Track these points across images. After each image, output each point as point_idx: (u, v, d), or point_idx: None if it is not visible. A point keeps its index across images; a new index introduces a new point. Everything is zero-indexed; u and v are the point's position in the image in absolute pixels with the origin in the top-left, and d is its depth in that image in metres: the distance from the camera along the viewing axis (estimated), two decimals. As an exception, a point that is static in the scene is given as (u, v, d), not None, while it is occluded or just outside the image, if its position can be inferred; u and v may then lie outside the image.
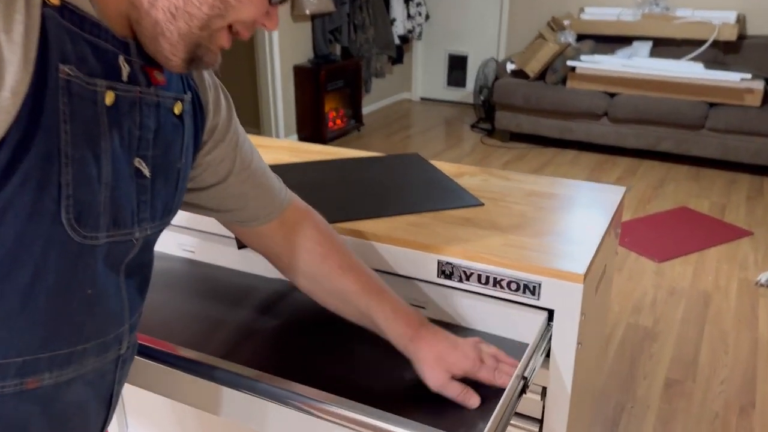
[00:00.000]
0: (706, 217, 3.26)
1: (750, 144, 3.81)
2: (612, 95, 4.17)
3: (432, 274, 0.97)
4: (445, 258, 0.95)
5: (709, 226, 3.15)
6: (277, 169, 1.25)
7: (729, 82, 3.82)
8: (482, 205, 1.10)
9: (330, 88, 4.40)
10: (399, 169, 1.27)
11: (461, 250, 0.94)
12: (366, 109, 5.22)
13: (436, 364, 0.81)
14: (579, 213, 1.07)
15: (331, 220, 1.02)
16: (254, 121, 4.49)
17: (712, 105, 3.92)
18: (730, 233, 3.06)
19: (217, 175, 0.78)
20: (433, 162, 1.31)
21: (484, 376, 0.81)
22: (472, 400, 0.79)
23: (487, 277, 0.93)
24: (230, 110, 0.80)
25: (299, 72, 4.35)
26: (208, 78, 0.75)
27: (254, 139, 1.47)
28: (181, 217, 1.14)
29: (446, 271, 0.95)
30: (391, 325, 0.83)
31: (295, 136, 4.50)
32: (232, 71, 4.52)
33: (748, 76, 3.78)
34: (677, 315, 2.36)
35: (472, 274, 0.94)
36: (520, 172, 3.92)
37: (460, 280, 0.95)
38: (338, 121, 4.62)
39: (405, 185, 1.17)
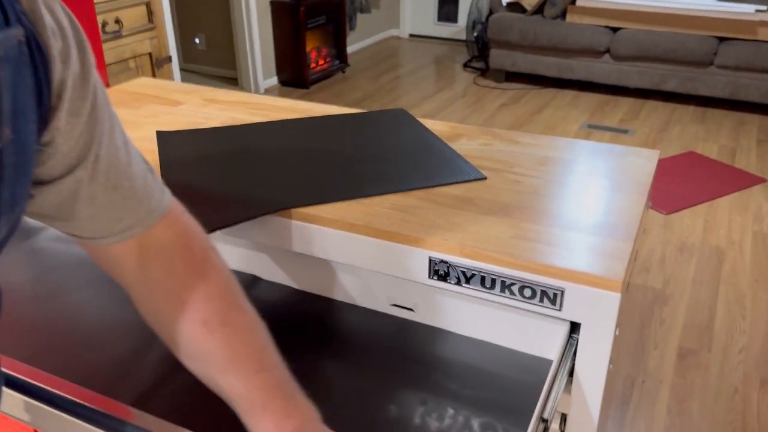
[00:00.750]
0: (715, 163, 3.05)
1: (762, 82, 3.56)
2: (615, 30, 3.88)
3: (422, 274, 0.75)
4: (438, 255, 0.73)
5: (719, 173, 2.94)
6: (227, 133, 1.02)
7: (742, 14, 3.54)
8: (484, 178, 0.88)
9: (311, 25, 4.08)
10: (380, 130, 1.03)
11: (459, 245, 0.72)
12: (351, 48, 4.89)
13: None
14: (607, 188, 0.85)
15: (292, 204, 0.80)
16: (230, 63, 4.18)
17: (721, 40, 3.64)
18: (741, 180, 2.86)
19: (64, 162, 0.49)
20: (424, 121, 1.08)
21: None
22: None
23: (493, 281, 0.72)
24: (85, 68, 0.49)
25: (277, 7, 4.01)
26: (50, 17, 0.47)
27: (205, 92, 1.22)
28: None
29: (440, 271, 0.74)
30: (254, 423, 0.56)
31: (275, 79, 4.21)
32: (204, 8, 4.17)
33: (764, 7, 3.50)
34: (689, 274, 2.18)
35: (473, 275, 0.72)
36: (516, 115, 3.68)
37: (458, 283, 0.74)
38: (321, 62, 4.31)
39: (387, 154, 0.95)
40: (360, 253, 0.78)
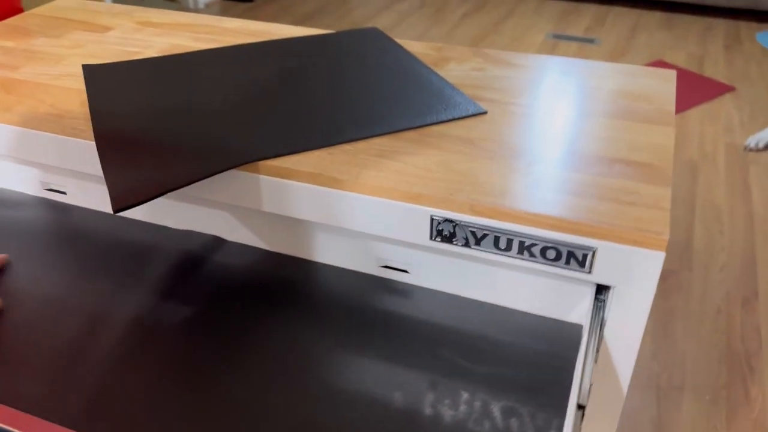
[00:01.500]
0: (684, 72, 2.96)
1: (728, -16, 3.43)
2: (578, -69, 3.65)
3: (421, 235, 0.63)
4: (441, 213, 0.61)
5: (689, 82, 2.86)
6: (169, 64, 0.85)
7: None
8: (485, 113, 0.74)
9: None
10: (354, 56, 0.88)
11: (467, 201, 0.60)
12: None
13: None
14: (630, 119, 0.73)
15: (260, 155, 0.66)
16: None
17: (689, -61, 3.48)
18: (711, 89, 2.78)
19: None
20: (401, 42, 0.93)
21: None
22: None
23: (510, 241, 0.60)
24: None
25: None
26: None
27: (138, 14, 1.03)
28: (45, 142, 0.76)
29: (444, 231, 0.62)
30: None
31: (218, -6, 3.87)
32: None
33: None
34: (664, 191, 2.12)
35: (485, 236, 0.60)
36: (479, 26, 3.49)
37: (466, 245, 0.62)
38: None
39: (367, 86, 0.80)
40: (346, 213, 0.65)
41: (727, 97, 2.72)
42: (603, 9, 3.71)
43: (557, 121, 0.73)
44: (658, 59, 3.08)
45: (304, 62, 0.86)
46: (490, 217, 0.59)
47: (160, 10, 1.06)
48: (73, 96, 0.79)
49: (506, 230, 0.59)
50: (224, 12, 3.66)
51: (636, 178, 0.62)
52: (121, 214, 0.81)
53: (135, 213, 0.81)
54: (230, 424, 0.56)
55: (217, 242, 0.77)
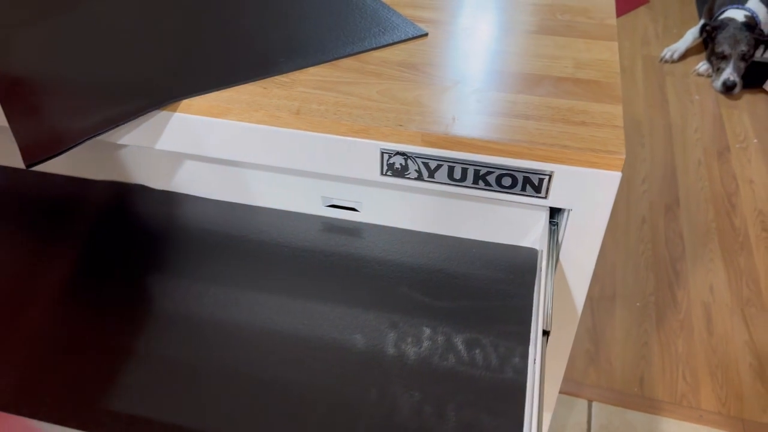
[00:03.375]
0: (599, -14, 2.96)
1: None
2: None
3: (371, 171, 0.60)
4: (392, 146, 0.58)
5: (605, -4, 2.87)
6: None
7: None
8: (425, 35, 0.70)
9: None
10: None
11: (418, 132, 0.57)
12: None
13: None
14: (571, 31, 0.70)
15: (184, 92, 0.60)
16: None
17: None
18: (626, 2, 2.81)
19: None
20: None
21: None
22: None
23: (464, 171, 0.58)
24: None
25: None
26: None
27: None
28: None
29: (396, 165, 0.59)
30: None
31: None
32: None
33: None
34: (588, 107, 2.15)
35: (439, 167, 0.58)
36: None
37: (419, 178, 0.59)
38: None
39: (295, 9, 0.73)
40: (288, 152, 0.60)
41: (642, 10, 2.75)
42: None
43: (499, 40, 0.70)
44: (574, -26, 3.08)
45: (223, -12, 0.78)
46: (443, 147, 0.56)
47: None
48: (-42, 37, 0.69)
49: (460, 159, 0.57)
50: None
51: (585, 97, 0.61)
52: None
53: (47, 165, 0.73)
54: (179, 385, 0.53)
55: (143, 191, 0.71)
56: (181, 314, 0.58)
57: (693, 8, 2.74)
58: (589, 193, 0.56)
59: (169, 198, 0.70)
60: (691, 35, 2.36)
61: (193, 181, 0.70)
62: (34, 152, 0.54)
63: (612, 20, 0.73)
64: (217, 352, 0.55)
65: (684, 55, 2.38)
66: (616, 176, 0.54)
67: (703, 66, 2.27)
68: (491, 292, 0.60)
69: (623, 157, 0.53)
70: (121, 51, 0.66)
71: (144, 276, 0.62)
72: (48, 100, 0.59)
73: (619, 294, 1.49)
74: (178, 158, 0.68)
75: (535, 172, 0.56)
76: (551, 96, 0.61)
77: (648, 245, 1.62)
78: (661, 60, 2.38)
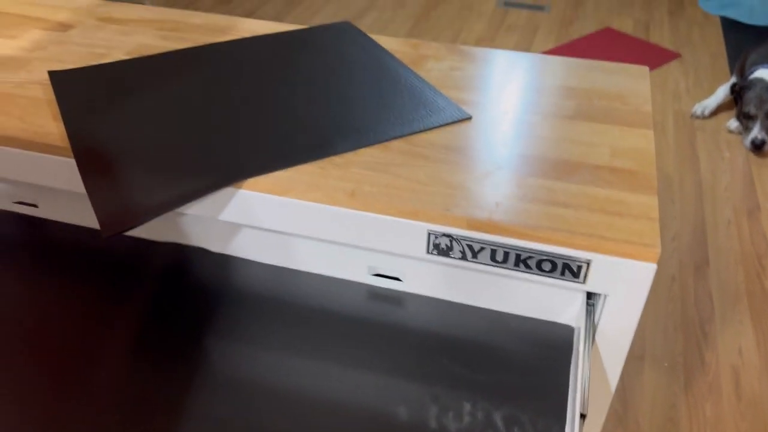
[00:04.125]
0: (632, 39, 3.02)
1: (671, -51, 3.49)
2: None
3: (418, 249, 0.64)
4: (439, 228, 0.62)
5: (637, 50, 2.92)
6: (139, 68, 0.82)
7: None
8: (469, 118, 0.75)
9: None
10: (330, 55, 0.87)
11: (464, 217, 0.61)
12: None
13: None
14: (609, 121, 0.74)
15: (250, 172, 0.65)
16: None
17: None
18: (658, 57, 2.86)
19: None
20: (376, 37, 0.92)
21: None
22: None
23: (506, 254, 0.62)
24: None
25: None
26: None
27: (97, 8, 0.98)
28: (19, 159, 0.73)
29: (441, 245, 0.63)
30: None
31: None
32: None
33: None
34: (618, 161, 2.18)
35: (482, 249, 0.62)
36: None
37: (463, 258, 0.63)
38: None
39: (348, 90, 0.79)
40: (341, 230, 0.65)
41: (673, 64, 2.79)
42: (551, -26, 3.73)
43: (538, 125, 0.74)
44: (606, 26, 3.13)
45: (281, 64, 0.85)
46: (487, 231, 0.61)
47: (121, 4, 1.02)
48: (42, 107, 0.76)
49: (503, 244, 0.61)
50: (166, -20, 3.50)
51: (621, 186, 0.65)
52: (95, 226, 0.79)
53: (115, 226, 0.79)
54: (241, 449, 0.56)
55: (203, 254, 0.77)
56: (233, 376, 0.62)
57: (724, 62, 2.77)
58: (624, 282, 0.59)
59: (226, 261, 0.75)
60: (722, 92, 2.39)
61: (248, 246, 0.75)
62: (112, 225, 0.60)
63: (648, 107, 0.77)
64: (265, 416, 0.59)
65: (715, 111, 2.41)
66: (651, 267, 0.58)
67: (733, 123, 2.30)
68: (529, 367, 0.63)
69: (658, 250, 0.57)
70: (191, 130, 0.72)
71: (200, 335, 0.66)
72: (126, 176, 0.65)
73: (648, 354, 1.50)
74: (236, 225, 0.73)
75: (573, 260, 0.60)
76: (589, 184, 0.65)
77: (677, 305, 1.63)
78: (692, 116, 2.40)
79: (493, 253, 0.62)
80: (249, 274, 0.74)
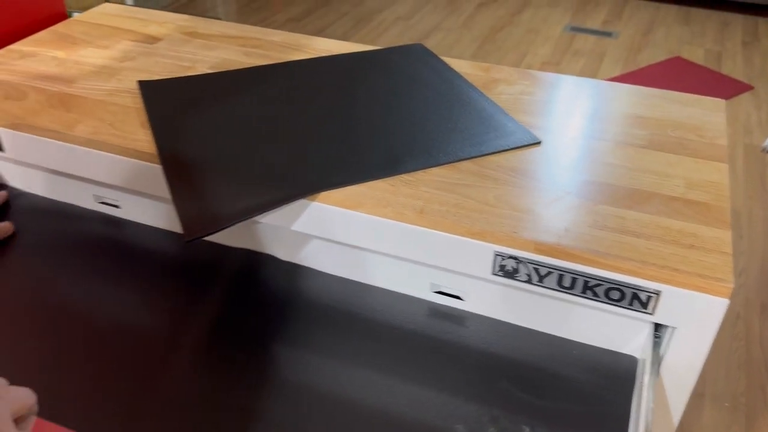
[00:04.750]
0: (702, 69, 2.95)
1: (748, -22, 3.41)
2: None
3: (484, 270, 0.65)
4: (505, 250, 0.62)
5: (708, 81, 2.85)
6: (221, 82, 0.86)
7: None
8: (539, 143, 0.76)
9: None
10: (403, 77, 0.89)
11: (532, 240, 0.61)
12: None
13: None
14: (682, 153, 0.74)
15: (326, 185, 0.67)
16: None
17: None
18: (729, 88, 2.78)
19: None
20: (446, 59, 0.93)
21: None
22: None
23: (574, 280, 0.62)
24: None
25: None
26: None
27: (183, 23, 1.03)
28: (96, 158, 0.77)
29: (507, 267, 0.64)
30: None
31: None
32: None
33: None
34: (683, 193, 2.13)
35: (549, 274, 0.62)
36: (495, 16, 3.47)
37: (528, 281, 0.64)
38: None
39: (420, 111, 0.81)
40: (408, 246, 0.66)
41: (745, 96, 2.71)
42: (620, 1, 3.69)
43: (609, 152, 0.74)
44: (675, 55, 3.07)
45: (356, 83, 0.87)
46: (554, 256, 0.61)
47: (205, 20, 1.07)
48: (131, 115, 0.80)
49: (570, 269, 0.61)
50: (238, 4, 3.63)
51: (695, 219, 0.64)
52: (176, 229, 0.83)
53: (189, 230, 0.82)
54: (303, 454, 0.58)
55: (272, 261, 0.79)
56: (295, 382, 0.64)
57: (800, 97, 2.68)
58: (695, 315, 0.58)
59: (294, 269, 0.77)
60: (797, 127, 2.31)
61: (316, 256, 0.77)
62: (193, 229, 0.63)
63: (723, 140, 0.76)
64: (323, 424, 0.61)
65: (789, 147, 2.33)
66: (723, 303, 0.57)
67: None
68: (590, 396, 0.63)
69: (731, 285, 0.56)
70: (271, 143, 0.75)
71: (265, 340, 0.68)
72: (209, 184, 0.68)
73: (708, 392, 1.45)
74: (305, 235, 0.75)
75: (643, 290, 0.59)
76: (662, 215, 0.64)
77: (741, 343, 1.57)
78: (763, 150, 2.33)
79: (561, 278, 0.62)
80: (315, 283, 0.76)
